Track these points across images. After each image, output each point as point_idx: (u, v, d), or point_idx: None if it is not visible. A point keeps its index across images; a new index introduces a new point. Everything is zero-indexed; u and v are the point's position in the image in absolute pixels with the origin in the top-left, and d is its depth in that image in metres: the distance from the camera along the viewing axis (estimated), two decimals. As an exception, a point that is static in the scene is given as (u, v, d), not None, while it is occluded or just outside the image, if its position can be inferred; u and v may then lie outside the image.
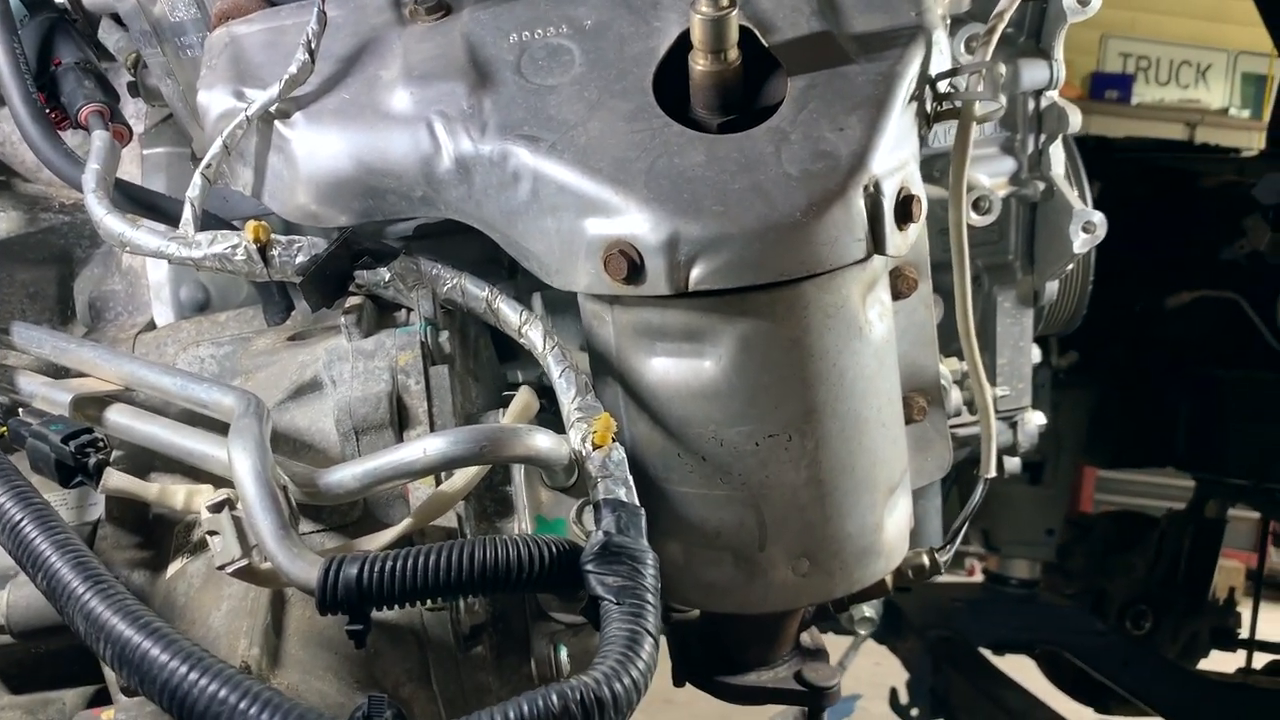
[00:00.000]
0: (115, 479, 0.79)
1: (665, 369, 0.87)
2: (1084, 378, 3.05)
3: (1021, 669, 2.97)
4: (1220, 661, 3.26)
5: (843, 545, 0.92)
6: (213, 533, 0.71)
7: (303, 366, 0.89)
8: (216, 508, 0.71)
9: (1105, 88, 7.92)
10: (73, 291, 1.19)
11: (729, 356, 0.85)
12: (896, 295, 0.99)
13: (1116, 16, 7.90)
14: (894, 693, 2.75)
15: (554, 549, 0.71)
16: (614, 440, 0.79)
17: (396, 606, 0.69)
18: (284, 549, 0.69)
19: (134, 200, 0.96)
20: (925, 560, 1.13)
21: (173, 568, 0.86)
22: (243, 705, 0.60)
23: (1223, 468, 3.06)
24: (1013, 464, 1.52)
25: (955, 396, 1.20)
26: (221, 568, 0.71)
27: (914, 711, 2.73)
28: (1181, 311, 2.92)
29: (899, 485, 0.97)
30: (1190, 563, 3.27)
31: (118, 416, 0.86)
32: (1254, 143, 6.31)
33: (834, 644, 2.76)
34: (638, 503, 0.76)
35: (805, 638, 1.18)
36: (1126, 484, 5.30)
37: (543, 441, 0.77)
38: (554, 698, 0.60)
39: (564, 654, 0.82)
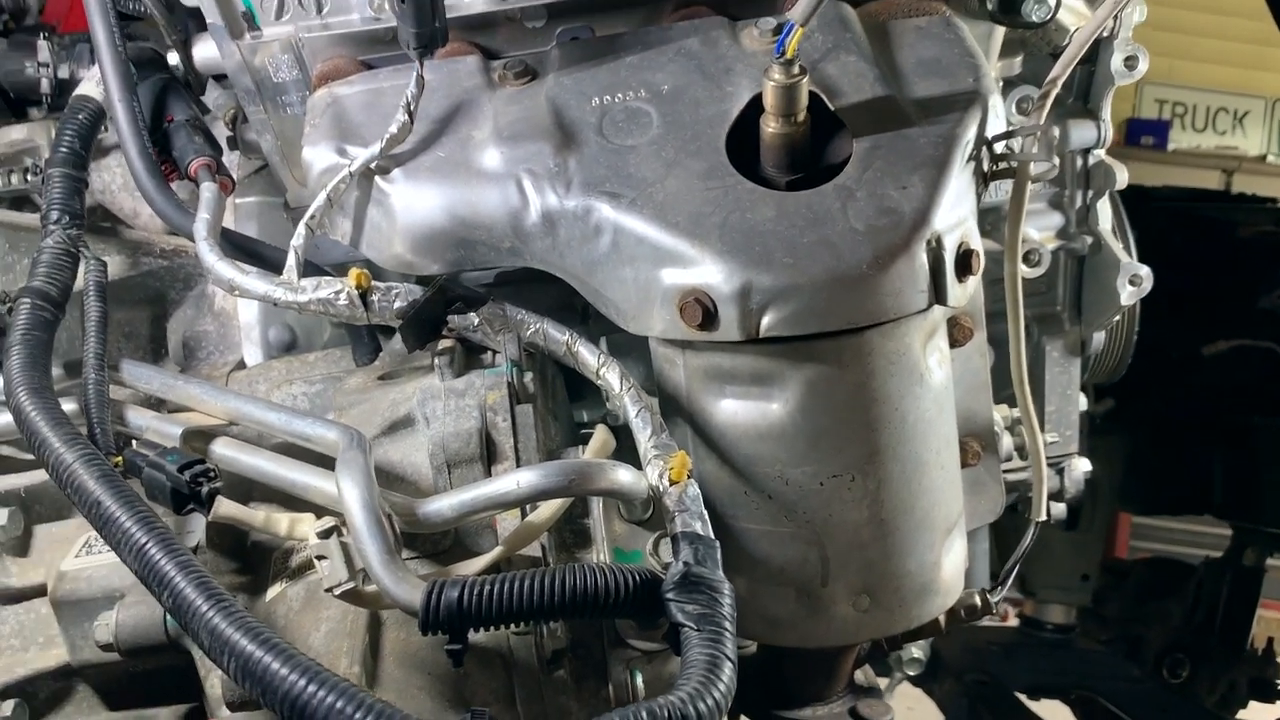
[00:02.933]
0: (225, 507, 0.85)
1: (734, 410, 0.93)
2: (1120, 424, 3.07)
3: (1059, 717, 2.97)
4: (1259, 714, 3.23)
5: (902, 582, 0.96)
6: (321, 557, 0.77)
7: (395, 404, 0.95)
8: (326, 534, 0.77)
9: (1141, 134, 7.93)
10: (165, 331, 1.26)
11: (796, 400, 0.90)
12: (953, 344, 1.04)
13: (1154, 63, 7.90)
14: (930, 737, 2.75)
15: (637, 578, 0.76)
16: (689, 477, 0.84)
17: (492, 628, 0.74)
18: (390, 573, 0.74)
19: (238, 247, 1.02)
20: (977, 601, 1.17)
21: (272, 591, 0.91)
22: (358, 715, 0.65)
23: (1260, 516, 3.06)
24: (1058, 509, 1.56)
25: (1007, 442, 1.24)
26: (330, 590, 0.77)
27: (950, 756, 2.73)
28: (1219, 360, 2.93)
29: (956, 526, 1.01)
30: (1228, 611, 3.25)
31: (224, 449, 0.92)
32: (1291, 191, 6.29)
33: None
34: (714, 537, 0.81)
35: (860, 675, 1.22)
36: (1162, 531, 5.26)
37: (625, 476, 0.82)
38: (644, 713, 0.65)
39: (639, 679, 0.87)
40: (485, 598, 0.72)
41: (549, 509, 0.84)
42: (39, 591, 1.02)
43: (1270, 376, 2.79)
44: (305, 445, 0.89)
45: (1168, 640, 3.27)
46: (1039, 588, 3.21)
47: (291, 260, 0.93)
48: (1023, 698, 3.00)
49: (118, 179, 1.24)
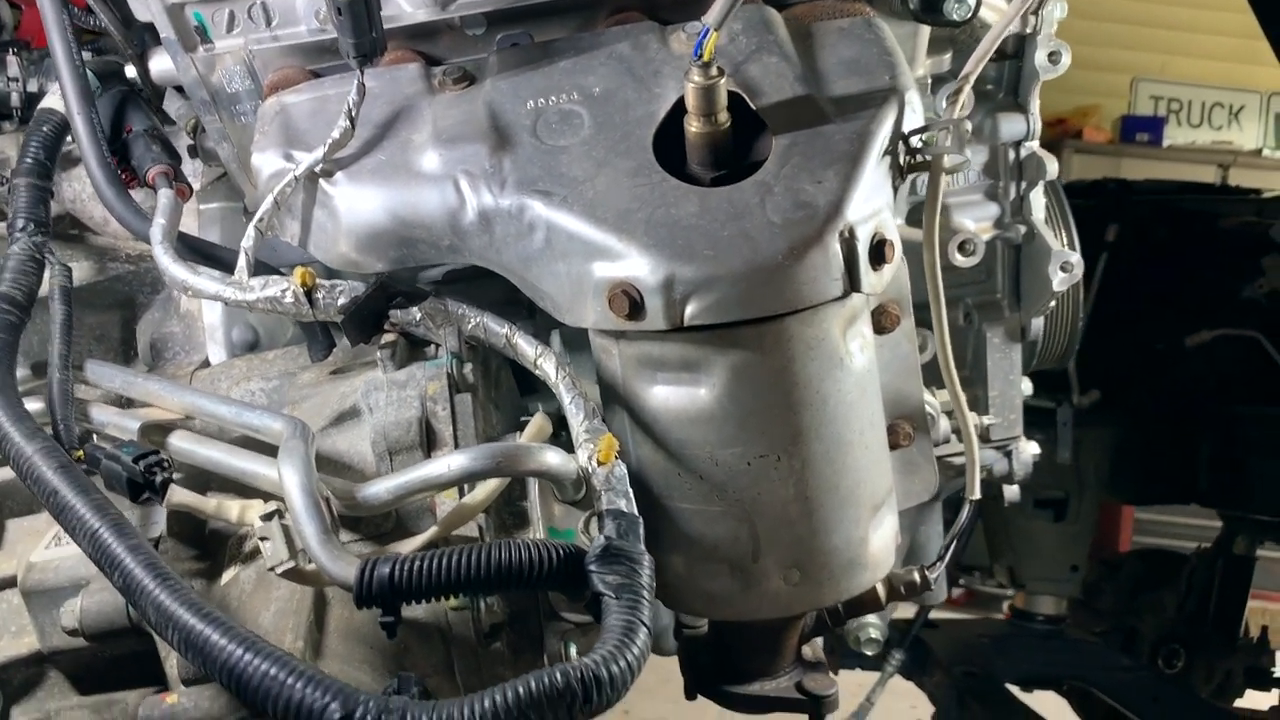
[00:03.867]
0: (178, 494, 0.90)
1: (665, 396, 0.97)
2: (1106, 416, 3.10)
3: (1056, 711, 2.98)
4: (1254, 701, 3.25)
5: (830, 557, 1.01)
6: (264, 539, 0.82)
7: (343, 397, 1.00)
8: (268, 517, 0.82)
9: (1136, 130, 7.95)
10: (135, 333, 1.31)
11: (721, 385, 0.94)
12: (880, 330, 1.08)
13: (1148, 60, 7.97)
14: (919, 727, 2.79)
15: (561, 551, 0.80)
16: (616, 458, 0.89)
17: (424, 601, 0.78)
18: (326, 551, 0.79)
19: (194, 250, 1.07)
20: (917, 577, 1.21)
21: (227, 575, 0.96)
22: (290, 680, 0.69)
23: (1247, 504, 3.09)
24: (1011, 492, 1.59)
25: (944, 425, 1.28)
26: (272, 569, 0.81)
27: (940, 747, 2.77)
28: (1202, 350, 2.96)
29: (883, 504, 1.05)
30: (1221, 600, 3.28)
31: (180, 441, 0.97)
32: (1286, 183, 6.30)
33: (863, 680, 2.80)
34: (636, 513, 0.86)
35: (807, 650, 1.26)
36: (1165, 526, 5.28)
37: (552, 458, 0.87)
38: (558, 676, 0.69)
39: (574, 651, 0.91)
40: (416, 572, 0.77)
41: (484, 491, 0.89)
42: (10, 583, 1.06)
43: (1254, 365, 2.82)
44: (255, 436, 0.94)
45: (1162, 631, 3.30)
46: (1028, 579, 3.24)
47: (242, 261, 0.98)
48: (1016, 690, 3.03)
49: (87, 189, 1.29)
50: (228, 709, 0.81)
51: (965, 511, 1.19)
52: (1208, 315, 2.94)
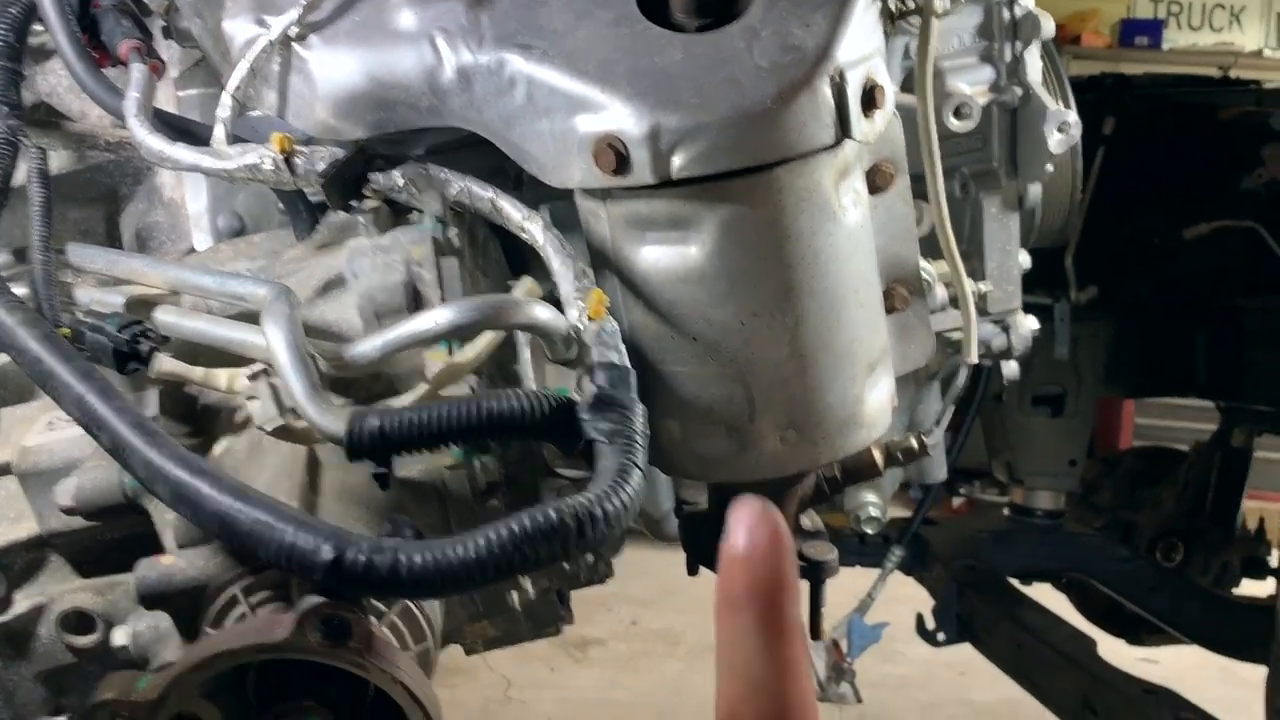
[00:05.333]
0: (165, 363, 0.89)
1: (655, 257, 0.95)
2: (1104, 311, 3.10)
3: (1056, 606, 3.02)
4: (1250, 591, 3.30)
5: (825, 416, 1.00)
6: (252, 398, 0.81)
7: (329, 268, 0.99)
8: (255, 376, 0.81)
9: (1135, 34, 7.84)
10: (119, 227, 1.29)
11: (712, 241, 0.93)
12: (875, 189, 1.06)
13: (1149, -40, 7.83)
14: (920, 619, 2.83)
15: (553, 401, 0.79)
16: (607, 313, 0.88)
17: (416, 452, 0.78)
18: (315, 405, 0.78)
19: (171, 127, 1.05)
20: (914, 443, 1.21)
21: (218, 447, 0.96)
22: (280, 524, 0.69)
23: (1245, 395, 3.10)
24: (1010, 369, 1.58)
25: (940, 292, 1.27)
26: (261, 428, 0.81)
27: (940, 636, 2.81)
28: (1200, 242, 2.95)
29: (879, 364, 1.04)
30: (1218, 493, 3.31)
31: (165, 315, 0.95)
32: (1287, 80, 6.22)
33: (864, 576, 2.83)
34: (629, 365, 0.85)
35: (805, 521, 1.27)
36: (1164, 430, 5.30)
37: (542, 312, 0.86)
38: (552, 512, 0.69)
39: (570, 508, 0.91)
40: (406, 423, 0.76)
41: (474, 350, 0.88)
42: (5, 469, 1.06)
43: (1252, 257, 2.80)
44: (240, 304, 0.93)
45: (1160, 525, 3.34)
46: (1026, 475, 3.26)
47: (219, 131, 0.96)
48: (1015, 583, 3.07)
49: (63, 81, 1.27)
50: (223, 568, 0.81)
51: (962, 374, 1.18)
52: (1206, 207, 2.92)
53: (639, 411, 0.81)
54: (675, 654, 4.82)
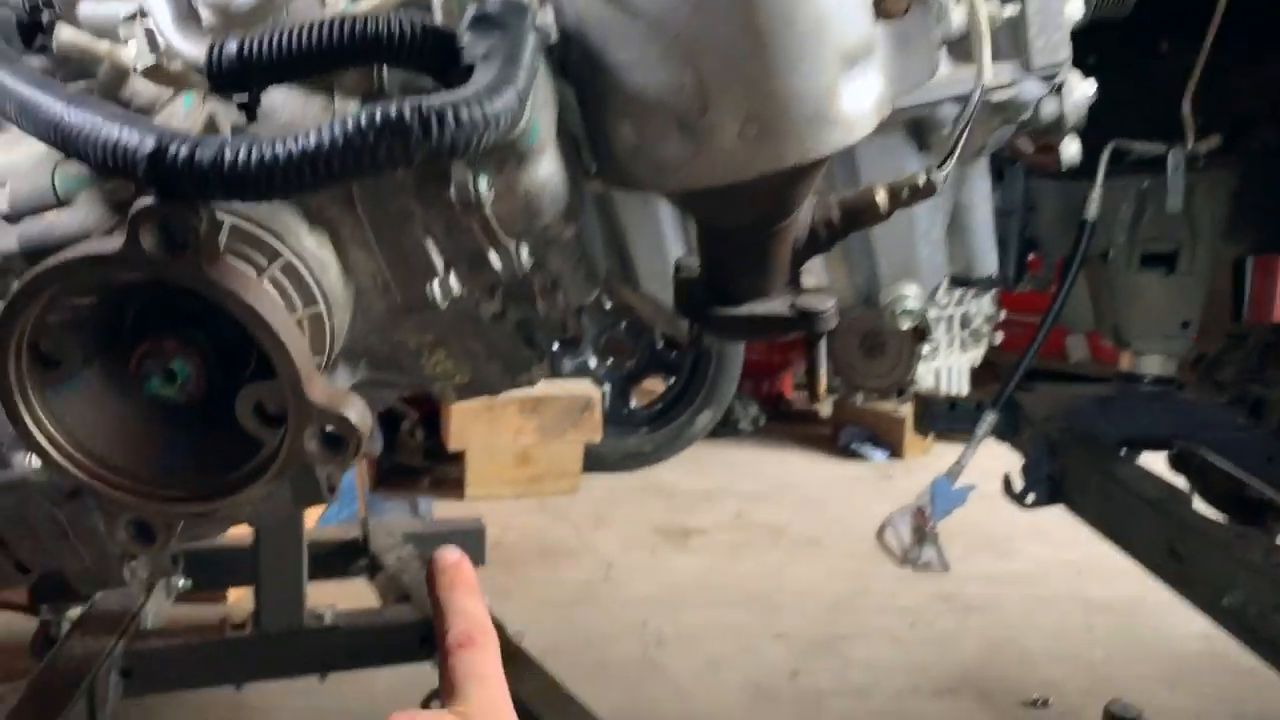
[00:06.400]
0: (67, 33, 0.85)
1: (594, -81, 0.86)
2: (1225, 160, 2.84)
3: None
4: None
5: (789, 105, 0.89)
6: (128, 41, 0.76)
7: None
8: (130, 18, 0.76)
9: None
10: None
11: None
12: None
13: None
14: (1006, 479, 2.68)
15: (429, 25, 0.72)
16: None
17: (282, 81, 0.72)
18: (179, 33, 0.73)
19: None
20: (922, 180, 1.08)
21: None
22: (106, 123, 0.64)
23: (1386, 259, 2.81)
24: (1070, 151, 1.41)
25: (957, 18, 1.12)
26: (137, 71, 0.76)
27: (1029, 497, 2.65)
28: (1344, 85, 2.66)
29: (860, 59, 0.93)
30: (1359, 366, 3.03)
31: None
32: None
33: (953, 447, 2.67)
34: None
35: (809, 279, 1.17)
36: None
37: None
38: (395, 108, 0.62)
39: (484, 182, 0.83)
40: (267, 45, 0.70)
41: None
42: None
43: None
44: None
45: (1292, 399, 3.08)
46: (1134, 338, 3.03)
47: None
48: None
49: None
50: (102, 220, 0.77)
51: (975, 95, 1.05)
52: (1346, 47, 2.63)
53: (530, 38, 0.72)
54: (778, 545, 4.78)
